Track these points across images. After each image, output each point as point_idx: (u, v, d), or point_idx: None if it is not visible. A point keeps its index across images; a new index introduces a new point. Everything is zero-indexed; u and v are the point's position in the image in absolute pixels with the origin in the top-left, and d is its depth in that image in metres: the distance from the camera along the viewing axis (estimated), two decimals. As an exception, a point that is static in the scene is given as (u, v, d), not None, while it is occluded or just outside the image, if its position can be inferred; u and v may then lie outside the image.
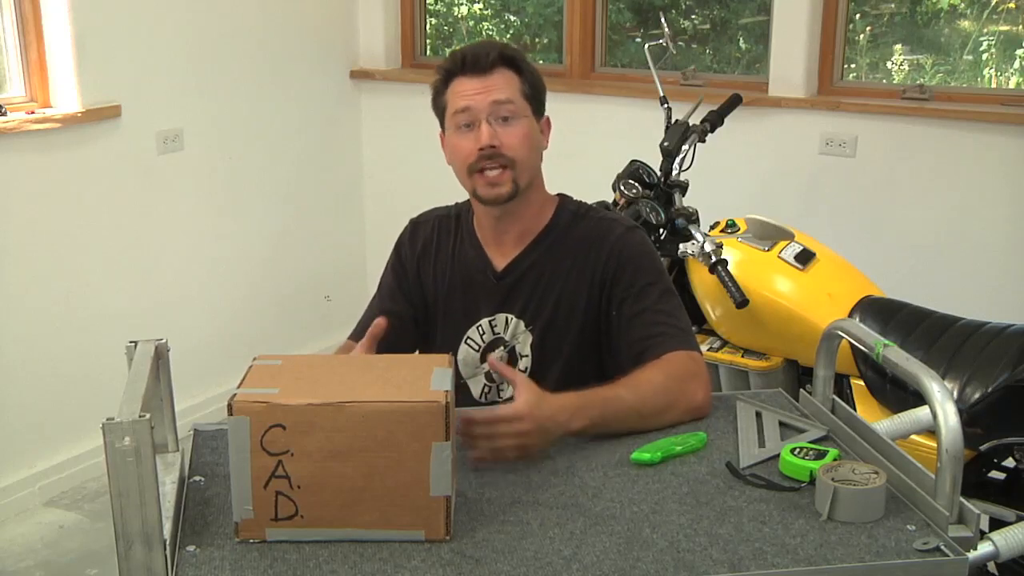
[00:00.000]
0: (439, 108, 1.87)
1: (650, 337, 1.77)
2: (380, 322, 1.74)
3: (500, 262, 1.90)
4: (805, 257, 2.61)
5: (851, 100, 3.40)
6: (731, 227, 2.77)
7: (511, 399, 1.87)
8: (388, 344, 1.89)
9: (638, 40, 4.09)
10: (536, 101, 1.85)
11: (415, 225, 2.01)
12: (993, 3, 3.53)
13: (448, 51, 4.58)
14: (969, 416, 2.07)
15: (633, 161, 2.81)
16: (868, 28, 3.68)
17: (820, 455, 1.47)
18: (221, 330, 3.86)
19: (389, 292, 1.98)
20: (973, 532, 1.30)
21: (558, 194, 1.95)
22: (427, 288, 1.95)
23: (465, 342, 1.91)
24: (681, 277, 2.75)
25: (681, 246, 2.64)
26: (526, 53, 2.12)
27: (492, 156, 1.78)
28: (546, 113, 1.90)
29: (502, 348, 1.89)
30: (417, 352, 1.98)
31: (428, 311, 1.96)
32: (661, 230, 2.71)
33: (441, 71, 1.86)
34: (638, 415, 1.63)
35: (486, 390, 1.91)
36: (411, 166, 4.23)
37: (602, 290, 1.84)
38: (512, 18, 4.58)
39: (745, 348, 2.67)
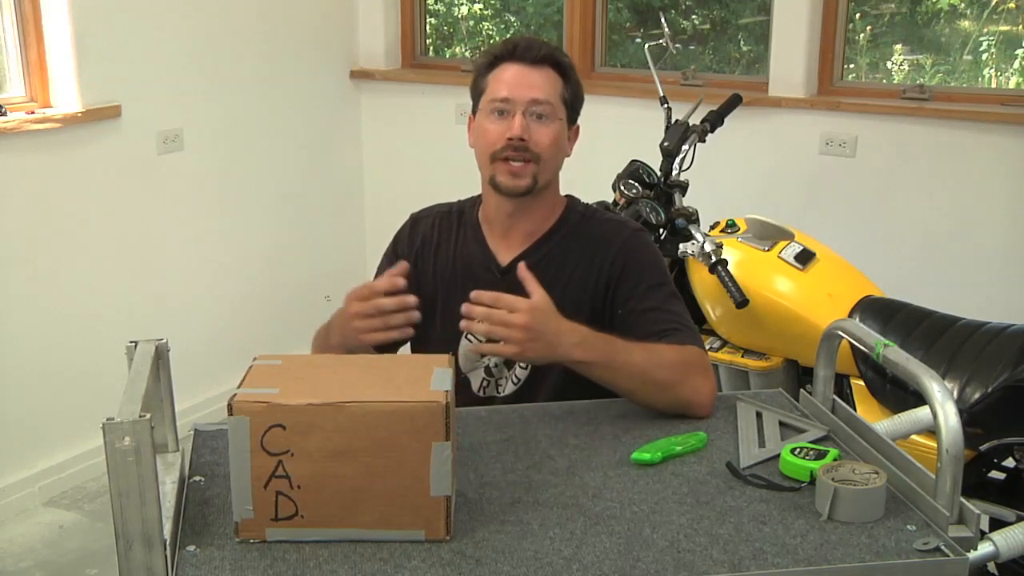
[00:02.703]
0: (477, 90, 1.89)
1: (660, 332, 1.77)
2: (404, 267, 1.77)
3: (505, 257, 1.91)
4: (805, 257, 2.62)
5: (851, 100, 3.40)
6: (731, 227, 2.77)
7: (509, 396, 1.88)
8: None
9: (638, 40, 4.09)
10: (573, 109, 1.89)
11: (415, 220, 2.02)
12: (993, 3, 3.53)
13: (448, 51, 4.59)
14: (969, 416, 2.07)
15: (633, 161, 2.81)
16: (868, 28, 3.68)
17: (820, 455, 1.47)
18: (221, 330, 3.86)
19: None
20: (973, 532, 1.30)
21: (566, 196, 1.96)
22: (424, 284, 1.95)
23: (466, 336, 1.91)
24: (681, 277, 2.75)
25: (681, 246, 2.64)
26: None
27: (518, 148, 1.80)
28: (578, 123, 1.92)
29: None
30: (409, 345, 1.98)
31: (423, 307, 1.95)
32: (661, 230, 2.71)
33: (489, 55, 1.88)
34: (642, 378, 1.66)
35: (484, 384, 1.91)
36: (411, 166, 4.23)
37: (607, 291, 1.84)
38: (512, 18, 4.58)
39: (745, 348, 2.67)
